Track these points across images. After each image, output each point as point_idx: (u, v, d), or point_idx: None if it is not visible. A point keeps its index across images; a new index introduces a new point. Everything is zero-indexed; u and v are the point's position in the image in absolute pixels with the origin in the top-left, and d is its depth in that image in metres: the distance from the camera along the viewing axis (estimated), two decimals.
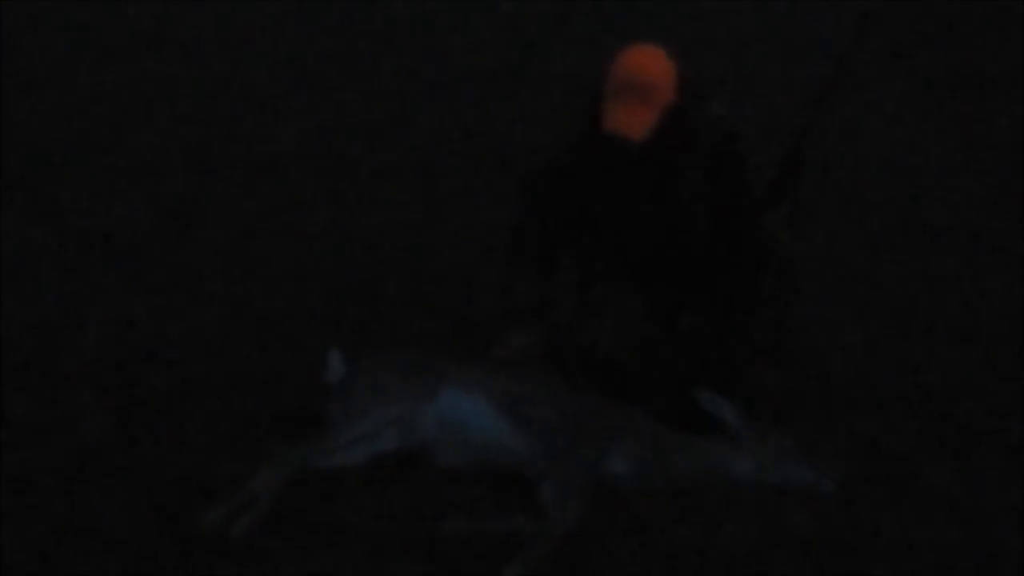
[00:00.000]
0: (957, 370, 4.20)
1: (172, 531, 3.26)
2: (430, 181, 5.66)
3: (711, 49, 7.08)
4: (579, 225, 3.81)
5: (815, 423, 3.83)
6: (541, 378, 3.67)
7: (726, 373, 3.76)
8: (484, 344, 4.13)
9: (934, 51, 7.36)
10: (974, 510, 3.49)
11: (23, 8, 7.27)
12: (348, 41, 7.31)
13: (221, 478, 3.43)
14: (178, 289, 4.58)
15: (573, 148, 3.74)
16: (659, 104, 3.56)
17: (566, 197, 3.77)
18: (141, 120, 6.25)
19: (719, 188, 3.73)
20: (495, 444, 3.54)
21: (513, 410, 3.56)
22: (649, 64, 3.58)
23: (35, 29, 7.13)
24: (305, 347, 4.13)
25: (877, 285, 4.80)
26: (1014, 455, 3.74)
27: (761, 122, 4.73)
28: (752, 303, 3.76)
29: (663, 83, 3.58)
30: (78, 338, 4.20)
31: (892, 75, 7.03)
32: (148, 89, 6.63)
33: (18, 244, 4.85)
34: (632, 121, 3.52)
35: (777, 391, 3.87)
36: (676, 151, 3.68)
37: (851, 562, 3.27)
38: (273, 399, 3.86)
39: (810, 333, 4.32)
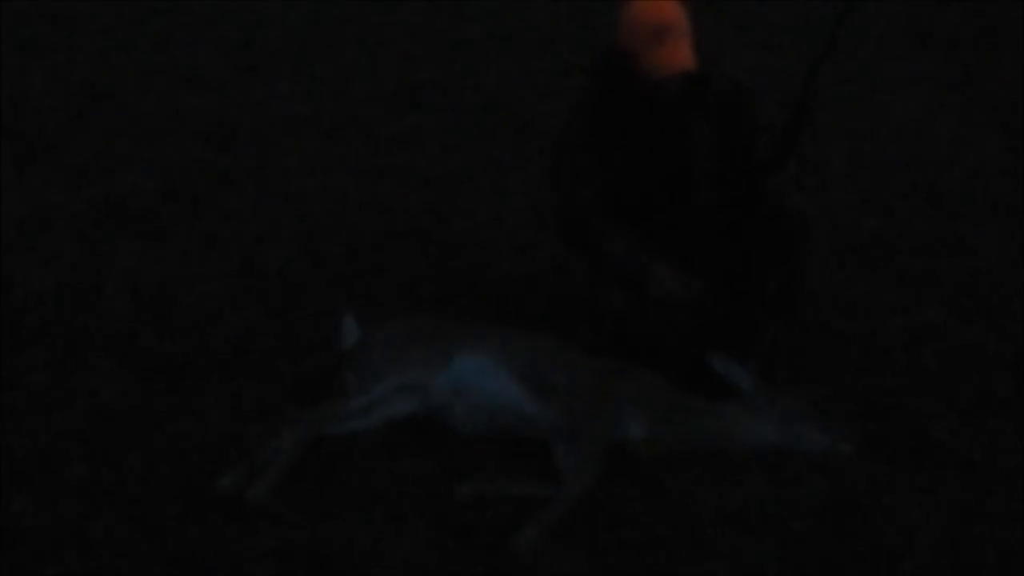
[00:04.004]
0: (971, 332, 4.19)
1: (188, 495, 3.27)
2: (444, 147, 5.65)
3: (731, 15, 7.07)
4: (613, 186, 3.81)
5: (830, 386, 3.83)
6: (557, 343, 3.67)
7: (741, 336, 3.75)
8: (499, 310, 4.14)
9: (943, 10, 7.31)
10: (989, 472, 3.49)
11: None
12: (361, 5, 7.29)
13: (237, 442, 3.45)
14: (193, 255, 4.59)
15: (599, 109, 3.76)
16: (690, 35, 3.67)
17: (603, 160, 3.78)
18: (155, 86, 6.25)
19: (729, 146, 3.75)
20: (510, 409, 3.54)
21: (529, 375, 3.55)
22: (670, 3, 3.69)
23: None
24: (320, 313, 4.15)
25: (891, 248, 4.78)
26: None
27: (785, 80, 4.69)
28: (764, 265, 3.74)
29: (685, 15, 3.70)
30: (95, 304, 4.21)
31: (901, 37, 7.00)
32: (161, 57, 6.63)
33: (35, 211, 4.87)
34: (681, 57, 3.63)
35: (792, 354, 3.86)
36: (692, 99, 3.76)
37: (866, 525, 3.27)
38: (289, 365, 3.87)
39: (825, 296, 4.32)
